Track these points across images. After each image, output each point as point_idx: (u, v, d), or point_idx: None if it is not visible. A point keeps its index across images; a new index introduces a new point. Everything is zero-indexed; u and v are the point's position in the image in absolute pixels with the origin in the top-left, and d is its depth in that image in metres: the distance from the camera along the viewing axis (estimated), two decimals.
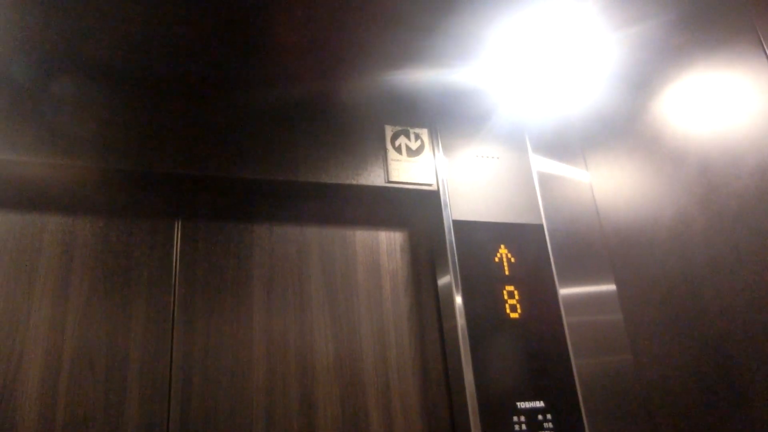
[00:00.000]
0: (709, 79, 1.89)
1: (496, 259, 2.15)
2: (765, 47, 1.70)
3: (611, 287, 2.24)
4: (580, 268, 2.26)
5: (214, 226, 2.05)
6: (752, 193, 1.71)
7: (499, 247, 2.18)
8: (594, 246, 2.31)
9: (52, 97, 1.91)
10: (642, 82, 2.15)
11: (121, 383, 1.78)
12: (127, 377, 1.79)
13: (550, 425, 1.95)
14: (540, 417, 1.96)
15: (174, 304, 1.92)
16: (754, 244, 1.70)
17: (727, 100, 1.81)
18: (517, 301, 2.11)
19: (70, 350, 1.78)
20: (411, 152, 2.24)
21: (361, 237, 2.22)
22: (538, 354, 2.05)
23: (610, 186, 2.31)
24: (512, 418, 1.93)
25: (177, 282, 1.94)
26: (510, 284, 2.13)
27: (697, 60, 1.94)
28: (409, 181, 2.18)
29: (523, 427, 1.93)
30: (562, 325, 2.12)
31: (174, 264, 1.97)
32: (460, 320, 2.01)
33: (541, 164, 2.39)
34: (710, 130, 1.86)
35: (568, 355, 2.07)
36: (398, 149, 2.23)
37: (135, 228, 1.97)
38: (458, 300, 2.04)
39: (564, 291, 2.18)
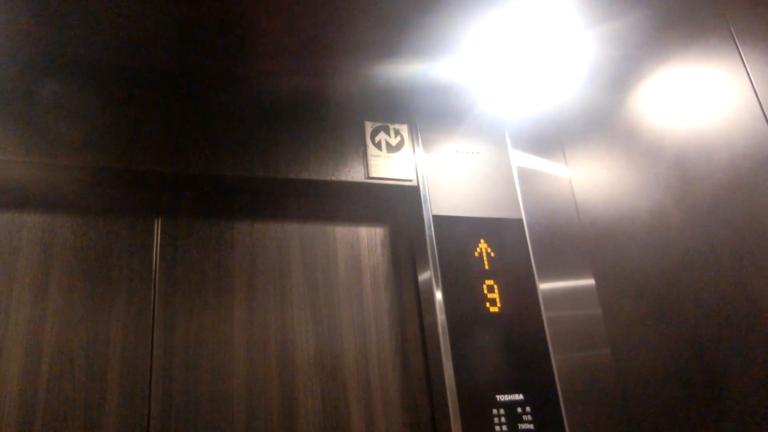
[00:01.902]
0: (683, 74, 1.91)
1: (476, 254, 2.17)
2: (737, 42, 1.72)
3: (590, 282, 2.26)
4: (560, 262, 2.28)
5: (194, 224, 2.06)
6: (725, 187, 1.73)
7: (479, 242, 2.19)
8: (573, 240, 2.33)
9: (30, 96, 1.90)
10: (619, 78, 2.17)
11: (101, 382, 1.78)
12: (107, 376, 1.80)
13: (529, 417, 1.97)
14: (519, 410, 1.98)
15: (154, 302, 1.92)
16: (727, 238, 1.72)
17: (702, 95, 1.83)
18: (497, 296, 2.12)
19: (50, 349, 1.78)
20: (391, 148, 2.25)
21: (342, 233, 2.23)
22: (517, 348, 2.07)
23: (588, 180, 2.33)
24: (491, 411, 1.95)
25: (157, 280, 1.95)
26: (490, 278, 2.14)
27: (672, 55, 1.96)
28: (389, 176, 2.19)
29: (503, 419, 1.95)
30: (541, 319, 2.14)
31: (154, 262, 1.97)
32: (440, 315, 2.03)
33: (521, 159, 2.40)
34: (685, 124, 1.89)
35: (547, 349, 2.09)
36: (378, 145, 2.24)
37: (115, 226, 1.97)
38: (438, 295, 2.05)
39: (543, 285, 2.20)
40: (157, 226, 2.02)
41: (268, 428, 1.87)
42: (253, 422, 1.86)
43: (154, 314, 1.91)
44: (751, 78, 1.67)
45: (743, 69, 1.70)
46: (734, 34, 1.73)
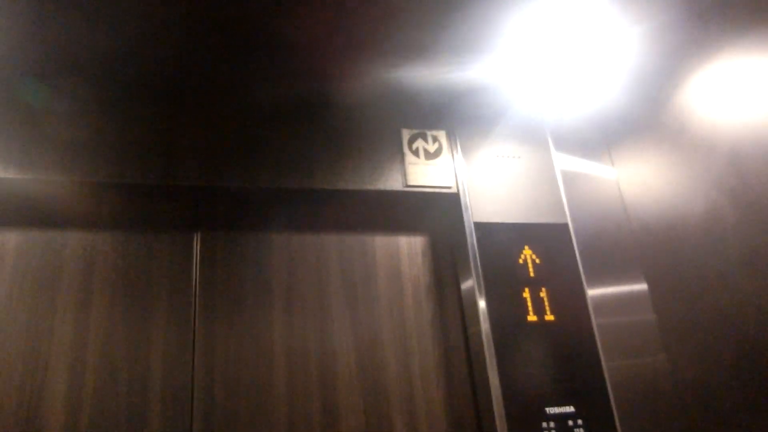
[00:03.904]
0: (735, 65, 1.81)
1: (521, 261, 2.10)
2: None
3: (642, 286, 2.16)
4: (609, 267, 2.18)
5: (232, 237, 2.05)
6: None
7: (523, 248, 2.12)
8: (622, 244, 2.23)
9: (68, 114, 1.94)
10: (665, 73, 2.07)
11: (143, 395, 1.78)
12: (149, 389, 1.80)
13: (581, 431, 1.88)
14: (570, 423, 1.89)
15: (194, 316, 1.92)
16: None
17: (757, 85, 1.73)
18: (544, 303, 2.04)
19: (93, 363, 1.79)
20: (429, 155, 2.20)
21: (381, 243, 2.19)
22: (567, 357, 1.98)
23: (637, 181, 2.23)
24: (541, 425, 1.87)
25: (197, 293, 1.94)
26: (535, 286, 2.07)
27: (722, 46, 1.86)
28: (427, 184, 2.14)
29: None
30: (591, 326, 2.04)
31: (194, 275, 1.97)
32: (485, 325, 1.96)
33: (565, 162, 2.32)
34: (739, 117, 1.78)
35: (598, 357, 2.00)
36: (416, 152, 2.19)
37: (154, 241, 1.98)
38: (482, 304, 1.99)
39: (592, 292, 2.11)
40: (197, 241, 2.02)
41: None
42: None
43: (194, 328, 1.90)
44: None
45: None
46: None
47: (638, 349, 2.07)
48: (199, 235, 2.03)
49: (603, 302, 2.11)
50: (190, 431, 1.77)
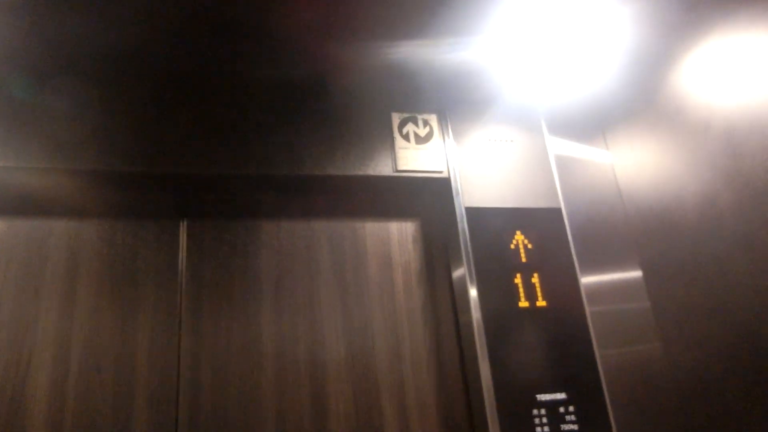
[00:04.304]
0: (729, 45, 1.76)
1: (512, 246, 2.07)
2: None
3: (637, 273, 2.12)
4: (603, 252, 2.15)
5: (220, 225, 2.02)
6: None
7: (515, 234, 2.08)
8: (617, 229, 2.19)
9: (52, 103, 1.90)
10: (659, 54, 2.03)
11: (129, 387, 1.77)
12: (134, 381, 1.78)
13: (573, 418, 1.86)
14: (562, 410, 1.87)
15: (181, 306, 1.90)
16: None
17: (750, 65, 1.68)
18: (536, 290, 2.02)
19: (78, 354, 1.77)
20: (420, 139, 2.17)
21: (372, 229, 2.16)
22: (558, 344, 1.95)
23: (632, 165, 2.19)
24: (532, 412, 1.85)
25: (183, 283, 1.92)
26: (527, 271, 2.04)
27: (716, 25, 1.81)
28: (418, 169, 2.11)
29: (544, 420, 1.84)
30: (584, 312, 2.02)
31: (180, 265, 1.94)
32: (476, 313, 1.93)
33: (558, 146, 2.28)
34: (734, 98, 1.74)
35: (591, 344, 1.97)
36: (406, 137, 2.16)
37: (140, 230, 1.96)
38: (473, 293, 1.96)
39: (585, 278, 2.08)
40: (183, 229, 1.99)
41: None
42: (284, 426, 1.81)
43: (180, 318, 1.88)
44: None
45: None
46: None
47: (633, 336, 2.04)
48: (185, 222, 2.00)
49: (596, 288, 2.08)
50: (177, 423, 1.76)
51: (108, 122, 1.92)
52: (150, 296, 1.88)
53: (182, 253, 1.96)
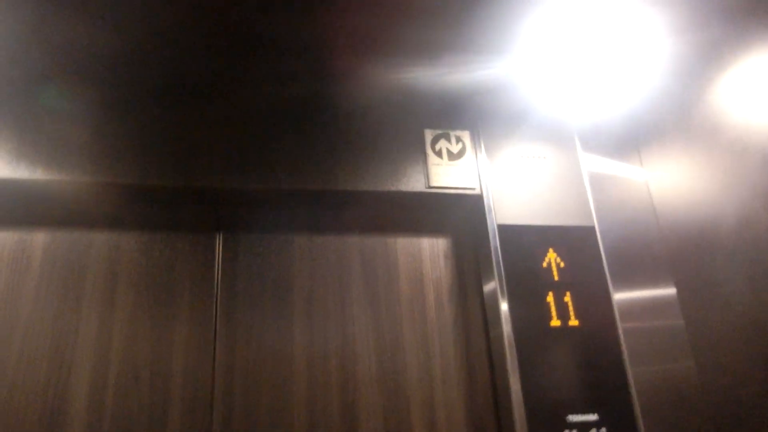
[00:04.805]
0: None
1: (545, 264, 2.06)
2: None
3: (671, 291, 2.10)
4: (636, 271, 2.13)
5: (254, 238, 2.06)
6: None
7: (548, 252, 2.08)
8: (651, 248, 2.17)
9: (90, 121, 1.96)
10: (696, 72, 2.01)
11: (165, 395, 1.81)
12: (170, 390, 1.82)
13: None
14: (594, 431, 1.85)
15: (216, 317, 1.93)
16: None
17: None
18: (568, 308, 2.00)
19: (116, 363, 1.82)
20: (452, 156, 2.17)
21: (403, 244, 2.17)
22: (591, 364, 1.94)
23: (667, 184, 2.17)
24: None
25: (219, 294, 1.96)
26: (560, 290, 2.03)
27: (756, 42, 1.79)
28: (450, 185, 2.12)
29: None
30: (617, 331, 2.00)
31: (215, 277, 1.98)
32: (506, 327, 1.93)
33: (592, 163, 2.27)
34: None
35: (623, 363, 1.95)
36: (438, 153, 2.17)
37: (177, 242, 2.00)
38: (504, 306, 1.96)
39: (618, 296, 2.06)
40: (218, 242, 2.03)
41: None
42: None
43: (215, 329, 1.91)
44: None
45: None
46: None
47: (665, 354, 2.02)
48: (220, 236, 2.04)
49: (629, 306, 2.06)
50: (210, 431, 1.79)
51: (145, 137, 1.97)
52: (186, 307, 1.92)
53: (217, 266, 1.99)
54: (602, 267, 2.09)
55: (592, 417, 1.87)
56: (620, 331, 1.99)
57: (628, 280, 2.11)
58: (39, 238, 1.92)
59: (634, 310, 2.07)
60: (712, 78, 1.96)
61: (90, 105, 1.97)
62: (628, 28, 1.87)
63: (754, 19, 1.79)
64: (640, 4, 1.78)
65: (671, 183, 2.15)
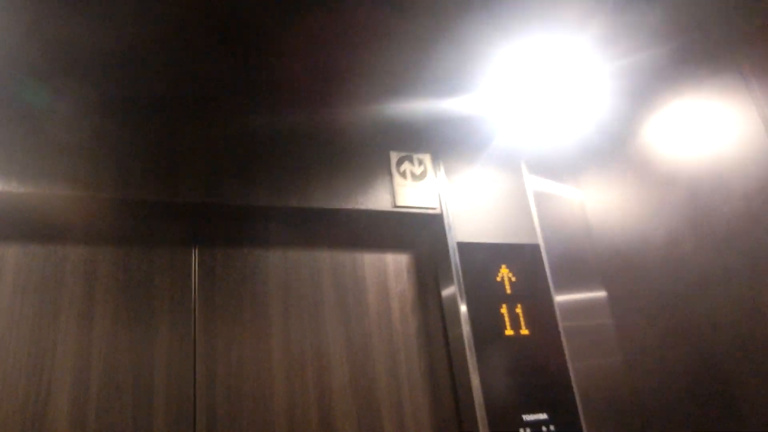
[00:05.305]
0: (696, 108, 2.03)
1: (498, 279, 2.27)
2: (749, 81, 1.85)
3: (602, 294, 2.39)
4: (574, 279, 2.41)
5: (230, 253, 2.12)
6: (741, 216, 1.85)
7: (501, 267, 2.29)
8: (586, 259, 2.44)
9: (68, 131, 1.96)
10: (632, 110, 2.29)
11: (147, 408, 1.84)
12: (153, 402, 1.85)
13: None
14: (544, 428, 2.08)
15: (195, 329, 1.98)
16: (742, 264, 1.84)
17: (714, 129, 1.96)
18: (520, 319, 2.22)
19: (97, 378, 1.83)
20: (415, 177, 2.34)
21: (370, 260, 2.31)
22: (540, 368, 2.16)
23: (600, 205, 2.46)
24: (519, 430, 2.04)
25: (197, 307, 2.01)
26: (512, 302, 2.24)
27: (685, 90, 2.09)
28: (414, 205, 2.28)
29: None
30: (559, 335, 2.24)
31: (193, 290, 2.03)
32: (466, 328, 2.12)
33: (538, 186, 2.51)
34: (699, 156, 2.01)
35: (566, 364, 2.20)
36: (403, 174, 2.33)
37: (154, 256, 2.03)
38: (463, 308, 2.15)
39: (560, 298, 2.31)
40: (195, 256, 2.08)
41: None
42: None
43: (195, 342, 1.96)
44: (762, 113, 1.80)
45: (754, 107, 1.83)
46: (745, 76, 1.86)
47: (599, 349, 2.30)
48: (197, 250, 2.09)
49: (568, 308, 2.32)
50: None
51: (124, 150, 1.99)
52: (165, 320, 1.96)
53: (194, 279, 2.04)
54: (546, 279, 2.34)
55: (543, 416, 2.09)
56: (562, 333, 2.24)
57: (567, 287, 2.37)
58: (11, 252, 1.89)
59: (573, 310, 2.33)
60: (645, 117, 2.25)
61: (67, 117, 1.96)
62: (574, 70, 2.12)
63: (685, 70, 2.09)
64: (588, 51, 2.03)
65: (604, 204, 2.43)
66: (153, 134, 2.04)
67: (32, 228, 1.94)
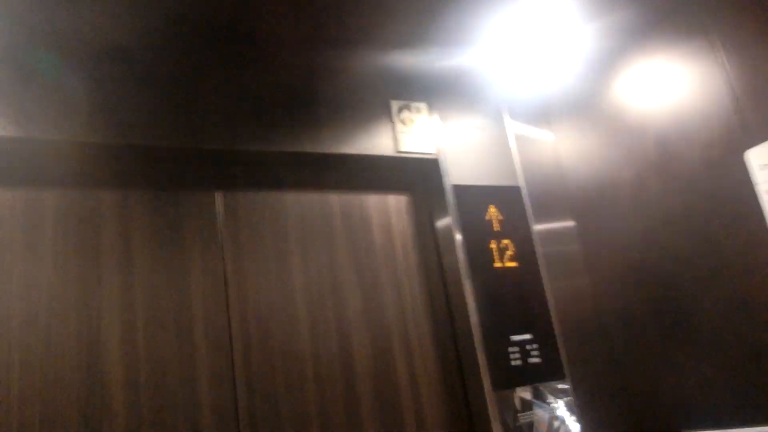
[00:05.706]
0: (665, 67, 2.31)
1: (487, 218, 2.54)
2: (715, 46, 2.13)
3: (571, 223, 2.74)
4: (550, 211, 2.73)
5: (250, 196, 2.28)
6: (702, 162, 2.17)
7: (489, 207, 2.56)
8: (560, 199, 2.76)
9: (100, 83, 2.03)
10: (607, 66, 2.56)
11: (190, 340, 2.02)
12: (194, 334, 2.03)
13: (537, 353, 2.40)
14: (528, 347, 2.41)
15: (224, 266, 2.15)
16: (702, 205, 2.18)
17: (681, 86, 2.25)
18: (505, 252, 2.51)
19: (143, 315, 1.99)
20: (414, 124, 2.54)
21: (374, 201, 2.52)
22: (524, 295, 2.48)
23: (571, 148, 2.75)
24: (508, 349, 2.37)
25: (224, 248, 2.17)
26: (499, 238, 2.52)
27: (656, 50, 2.36)
28: (414, 150, 2.49)
29: (517, 355, 2.37)
30: (538, 265, 2.56)
31: (219, 232, 2.19)
32: (461, 255, 2.41)
33: (519, 131, 2.78)
34: (666, 109, 2.31)
35: (543, 288, 2.53)
36: (403, 122, 2.52)
37: (182, 200, 2.16)
38: (458, 237, 2.44)
39: (537, 227, 2.63)
40: (219, 200, 2.22)
41: (331, 372, 2.19)
42: (320, 367, 2.17)
43: (225, 277, 2.14)
44: (725, 73, 2.10)
45: (718, 68, 2.12)
46: (712, 41, 2.14)
47: (569, 270, 2.65)
48: (220, 194, 2.24)
49: (545, 238, 2.64)
50: (233, 366, 2.05)
51: (151, 101, 2.08)
52: (197, 258, 2.12)
53: (220, 222, 2.20)
54: (526, 217, 2.63)
55: (527, 336, 2.42)
56: (539, 257, 2.58)
57: (544, 218, 2.68)
58: (49, 198, 1.98)
59: (547, 238, 2.65)
60: (618, 73, 2.52)
61: (98, 69, 2.03)
62: (557, 28, 2.34)
63: (657, 31, 2.35)
64: (570, 10, 2.25)
65: (575, 148, 2.73)
66: (177, 84, 2.14)
67: (69, 175, 2.03)
